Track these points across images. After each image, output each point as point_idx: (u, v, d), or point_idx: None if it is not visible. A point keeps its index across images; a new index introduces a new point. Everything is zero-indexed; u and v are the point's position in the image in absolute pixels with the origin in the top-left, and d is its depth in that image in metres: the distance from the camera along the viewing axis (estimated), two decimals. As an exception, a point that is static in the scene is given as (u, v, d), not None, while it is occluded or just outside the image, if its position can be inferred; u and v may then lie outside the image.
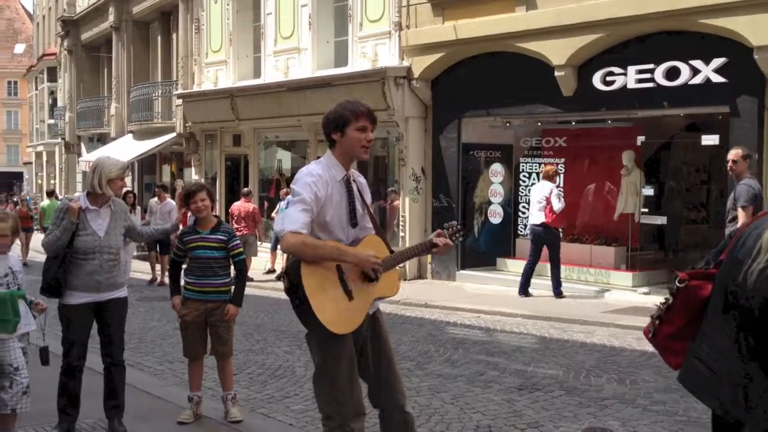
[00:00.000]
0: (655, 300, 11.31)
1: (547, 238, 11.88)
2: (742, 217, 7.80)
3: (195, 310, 5.82)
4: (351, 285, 3.67)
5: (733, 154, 8.15)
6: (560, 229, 12.18)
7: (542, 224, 11.84)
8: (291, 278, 3.64)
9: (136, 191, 24.29)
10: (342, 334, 3.67)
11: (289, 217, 3.61)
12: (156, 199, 15.37)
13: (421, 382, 7.04)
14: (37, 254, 17.02)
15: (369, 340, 3.89)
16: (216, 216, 6.07)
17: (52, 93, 39.50)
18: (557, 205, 11.71)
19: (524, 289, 12.01)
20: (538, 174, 13.78)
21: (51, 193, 21.89)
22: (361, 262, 3.66)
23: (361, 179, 4.00)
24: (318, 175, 3.72)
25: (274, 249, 16.27)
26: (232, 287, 5.92)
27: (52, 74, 38.68)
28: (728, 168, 8.23)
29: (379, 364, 3.92)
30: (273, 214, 16.26)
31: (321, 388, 3.79)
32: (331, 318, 3.60)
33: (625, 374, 7.29)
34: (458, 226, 4.10)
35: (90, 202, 5.36)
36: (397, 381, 3.96)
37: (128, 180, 23.30)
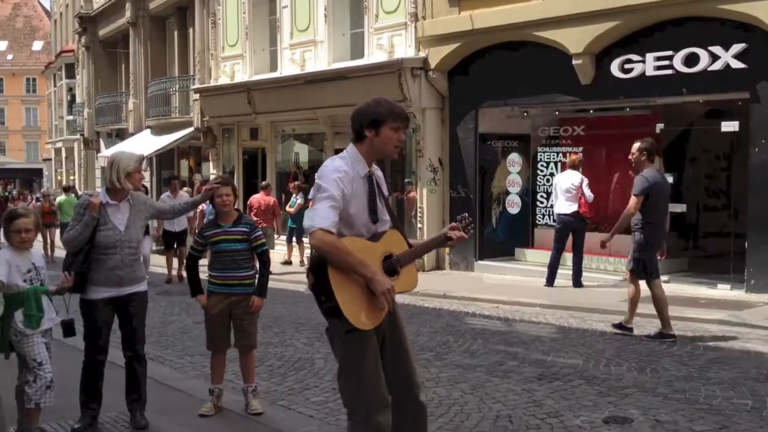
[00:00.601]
0: (676, 288, 11.32)
1: (576, 227, 11.84)
2: (632, 203, 8.36)
3: (219, 303, 5.85)
4: (369, 285, 3.66)
5: (634, 147, 8.52)
6: (588, 219, 12.15)
7: (574, 213, 11.77)
8: (315, 275, 3.66)
9: (154, 186, 24.51)
10: (365, 329, 3.69)
11: (320, 214, 3.60)
12: (168, 193, 14.94)
13: (440, 373, 7.04)
14: (62, 251, 17.16)
15: (387, 333, 3.91)
16: (237, 209, 6.10)
17: (71, 89, 39.79)
18: (589, 194, 11.69)
19: (552, 280, 11.95)
20: (556, 163, 13.72)
21: (67, 189, 22.02)
22: (380, 291, 3.59)
23: (379, 172, 4.01)
24: (345, 172, 3.73)
25: (289, 241, 16.33)
26: (256, 279, 5.94)
27: (70, 71, 38.95)
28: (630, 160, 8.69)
29: (397, 356, 3.94)
30: (288, 208, 16.26)
31: (346, 383, 3.81)
32: (356, 313, 3.62)
33: (645, 363, 7.26)
34: (470, 218, 4.10)
35: (110, 197, 5.40)
36: (413, 372, 4.00)
37: (146, 174, 23.47)
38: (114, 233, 5.33)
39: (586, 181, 11.84)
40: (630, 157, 8.57)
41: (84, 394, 5.47)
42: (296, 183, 17.04)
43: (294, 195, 16.19)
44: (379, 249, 3.81)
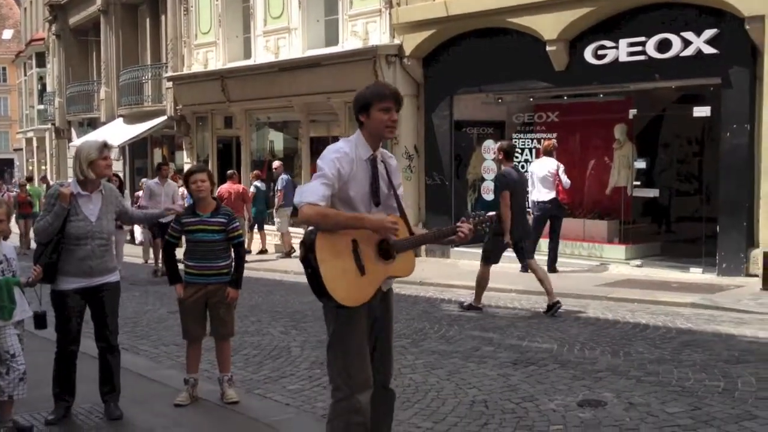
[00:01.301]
0: (649, 272, 11.42)
1: (554, 214, 11.91)
2: (502, 202, 9.12)
3: (196, 293, 5.81)
4: (365, 260, 3.77)
5: (495, 147, 9.39)
6: (566, 205, 12.22)
7: (552, 200, 11.82)
8: (306, 248, 3.73)
9: (127, 176, 24.29)
10: (356, 309, 3.78)
11: (309, 190, 3.73)
12: (157, 179, 14.00)
13: (417, 359, 7.07)
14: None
15: (378, 318, 4.00)
16: (215, 198, 6.05)
17: (41, 78, 39.23)
18: (566, 180, 11.75)
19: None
20: (531, 150, 13.77)
21: (30, 179, 21.73)
22: (381, 227, 3.74)
23: (392, 161, 4.08)
24: (344, 153, 3.82)
25: (260, 228, 16.35)
26: (233, 268, 5.92)
27: (41, 59, 38.40)
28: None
29: (380, 341, 4.04)
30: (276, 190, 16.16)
31: (333, 357, 3.90)
32: (339, 289, 3.70)
33: (618, 346, 7.33)
34: (486, 216, 4.11)
35: (81, 187, 5.34)
36: (390, 360, 4.12)
37: (119, 164, 23.25)
38: (85, 224, 5.28)
39: (562, 167, 11.88)
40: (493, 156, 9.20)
41: (57, 386, 5.43)
42: (256, 172, 17.05)
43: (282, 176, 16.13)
44: None
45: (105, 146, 5.37)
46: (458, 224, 4.02)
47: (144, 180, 16.95)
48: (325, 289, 3.66)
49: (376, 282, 3.85)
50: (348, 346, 3.84)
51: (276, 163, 16.77)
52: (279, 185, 15.93)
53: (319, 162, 3.83)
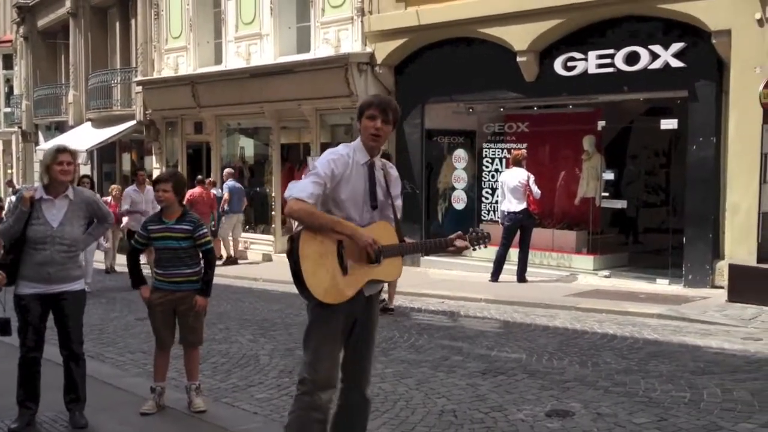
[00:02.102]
0: (616, 283, 11.52)
1: (527, 224, 11.93)
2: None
3: (164, 299, 5.75)
4: (348, 261, 3.83)
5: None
6: (537, 215, 12.26)
7: (523, 211, 11.84)
8: (292, 243, 3.80)
9: (95, 180, 23.98)
10: (335, 309, 3.82)
11: (299, 186, 3.81)
12: (134, 186, 13.85)
13: (386, 368, 7.05)
14: None
15: (360, 320, 4.02)
16: (182, 205, 5.98)
17: (8, 81, 38.61)
18: (536, 191, 11.78)
19: (497, 275, 12.03)
20: (501, 159, 13.84)
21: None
22: (357, 236, 3.80)
23: (393, 171, 4.14)
24: (340, 155, 3.93)
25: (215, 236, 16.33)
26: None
27: (8, 62, 37.79)
28: None
29: (361, 346, 4.07)
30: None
31: (305, 349, 3.96)
32: (318, 285, 3.76)
33: (586, 357, 7.38)
34: (484, 233, 4.18)
35: (45, 192, 5.29)
36: (369, 367, 4.16)
37: (87, 168, 22.97)
38: (45, 228, 5.22)
39: (532, 177, 11.90)
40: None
41: (20, 393, 5.34)
42: (229, 170, 16.98)
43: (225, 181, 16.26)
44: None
45: (60, 151, 5.27)
46: (453, 238, 4.09)
47: (114, 186, 16.69)
48: (305, 284, 3.73)
49: (357, 283, 3.89)
50: (320, 344, 3.89)
51: (226, 171, 16.83)
52: (225, 191, 16.15)
53: (315, 162, 3.95)
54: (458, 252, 4.15)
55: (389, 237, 4.00)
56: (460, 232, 4.16)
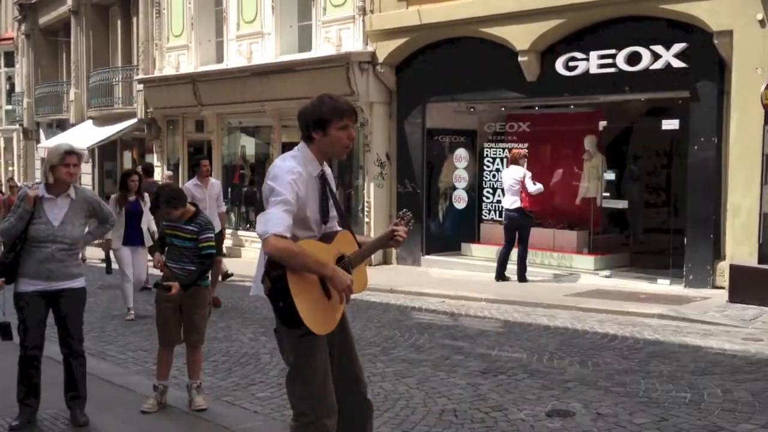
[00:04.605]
0: (617, 283, 11.52)
1: (521, 223, 11.91)
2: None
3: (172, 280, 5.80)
4: (329, 283, 3.61)
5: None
6: (532, 214, 12.19)
7: (517, 209, 11.85)
8: (273, 280, 3.56)
9: (96, 178, 24.01)
10: (319, 335, 3.64)
11: (273, 219, 3.48)
12: (195, 180, 10.89)
13: (387, 368, 7.06)
14: None
15: (336, 334, 3.84)
16: (194, 205, 6.06)
17: (10, 78, 38.61)
18: (532, 188, 11.72)
19: (501, 275, 12.02)
20: (502, 159, 13.84)
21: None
22: (338, 284, 3.56)
23: (327, 169, 3.91)
24: (299, 173, 3.62)
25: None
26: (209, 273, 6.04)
27: (9, 59, 37.80)
28: None
29: (344, 356, 3.92)
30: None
31: (295, 386, 3.75)
32: (313, 318, 3.57)
33: (587, 356, 7.38)
34: (410, 214, 4.03)
35: (47, 191, 5.30)
36: (360, 371, 4.02)
37: (88, 166, 22.97)
38: (47, 227, 5.23)
39: (528, 174, 11.87)
40: None
41: (21, 391, 5.35)
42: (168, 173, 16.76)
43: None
44: (332, 250, 3.75)
45: (68, 153, 5.28)
46: (394, 228, 3.92)
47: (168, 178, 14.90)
48: (301, 321, 3.53)
49: (340, 305, 3.72)
50: (312, 374, 3.69)
51: (167, 173, 16.67)
52: None
53: (273, 184, 3.58)
54: (403, 242, 3.91)
55: (352, 245, 3.85)
56: (396, 221, 3.97)
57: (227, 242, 15.39)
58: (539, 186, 11.85)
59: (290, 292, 3.50)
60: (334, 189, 3.98)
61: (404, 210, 4.10)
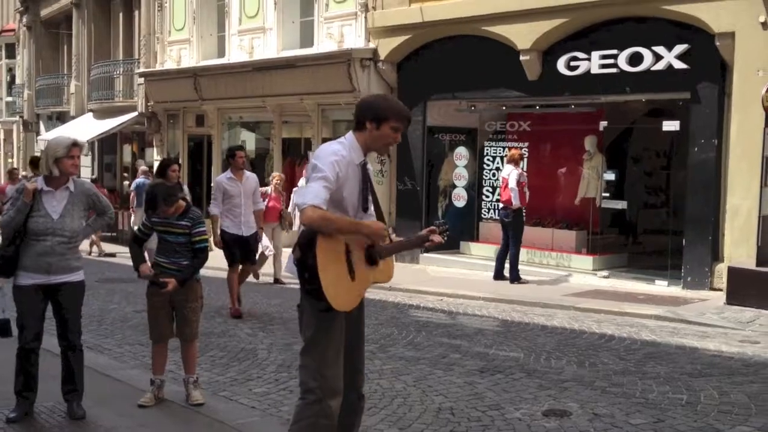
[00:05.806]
0: (615, 284, 11.52)
1: (506, 222, 11.86)
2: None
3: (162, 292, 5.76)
4: (356, 265, 3.80)
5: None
6: (523, 209, 12.03)
7: (503, 208, 11.88)
8: (303, 249, 3.72)
9: (96, 171, 23.99)
10: (338, 314, 3.79)
11: (311, 192, 3.66)
12: (229, 173, 9.55)
13: (384, 365, 7.06)
14: None
15: (352, 322, 4.00)
16: (185, 200, 6.02)
17: (10, 70, 38.59)
18: (512, 183, 11.59)
19: (500, 274, 11.98)
20: (502, 158, 13.83)
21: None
22: (375, 234, 3.79)
23: (369, 166, 4.08)
24: (342, 156, 3.79)
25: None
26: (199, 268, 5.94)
27: (11, 51, 37.77)
28: None
29: (355, 346, 4.05)
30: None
31: (307, 360, 3.87)
32: (335, 294, 3.72)
33: (584, 357, 7.38)
34: (447, 225, 4.21)
35: (46, 183, 5.29)
36: (362, 366, 4.15)
37: (88, 159, 22.95)
38: (46, 220, 5.22)
39: (515, 173, 11.76)
40: None
41: (18, 383, 5.35)
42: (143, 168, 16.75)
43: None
44: (363, 238, 3.90)
45: (74, 145, 5.29)
46: (430, 234, 4.07)
47: (276, 174, 13.14)
48: (323, 294, 3.67)
49: (363, 287, 3.91)
50: (326, 351, 3.83)
51: (143, 168, 16.64)
52: (133, 186, 15.19)
53: (316, 162, 3.77)
54: (432, 245, 4.11)
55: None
56: (432, 227, 4.14)
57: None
58: (516, 189, 11.56)
59: (317, 264, 3.65)
60: (374, 183, 4.10)
61: (443, 220, 4.24)
